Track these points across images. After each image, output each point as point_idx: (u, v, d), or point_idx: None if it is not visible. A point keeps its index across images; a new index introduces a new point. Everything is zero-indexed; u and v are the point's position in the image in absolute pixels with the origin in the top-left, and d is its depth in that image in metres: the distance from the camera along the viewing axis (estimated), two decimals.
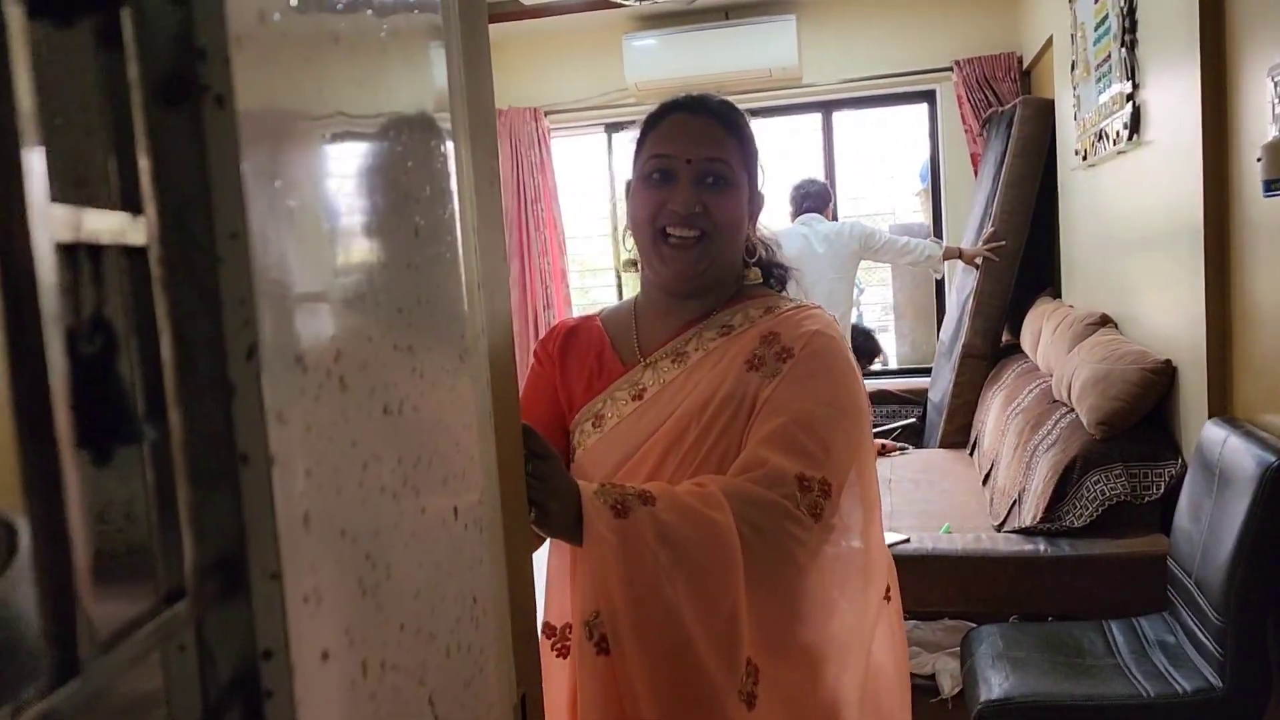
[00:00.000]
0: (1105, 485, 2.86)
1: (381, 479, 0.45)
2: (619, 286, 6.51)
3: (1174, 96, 2.76)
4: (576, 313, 6.48)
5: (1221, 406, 2.56)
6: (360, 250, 0.46)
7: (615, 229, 6.43)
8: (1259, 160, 2.07)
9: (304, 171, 0.38)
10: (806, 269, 4.54)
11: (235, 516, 0.33)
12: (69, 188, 0.35)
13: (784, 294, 1.51)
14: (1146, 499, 2.82)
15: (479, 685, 0.66)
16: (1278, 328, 2.23)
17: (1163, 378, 2.88)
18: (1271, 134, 2.10)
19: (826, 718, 1.28)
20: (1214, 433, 2.41)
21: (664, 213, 1.37)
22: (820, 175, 5.89)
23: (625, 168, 5.94)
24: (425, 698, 0.53)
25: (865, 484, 1.36)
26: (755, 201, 1.44)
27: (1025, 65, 5.38)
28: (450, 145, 0.64)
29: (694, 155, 1.36)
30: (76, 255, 0.29)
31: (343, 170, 0.44)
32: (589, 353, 1.49)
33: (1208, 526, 2.31)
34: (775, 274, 1.52)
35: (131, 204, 0.31)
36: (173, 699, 0.32)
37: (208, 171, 0.32)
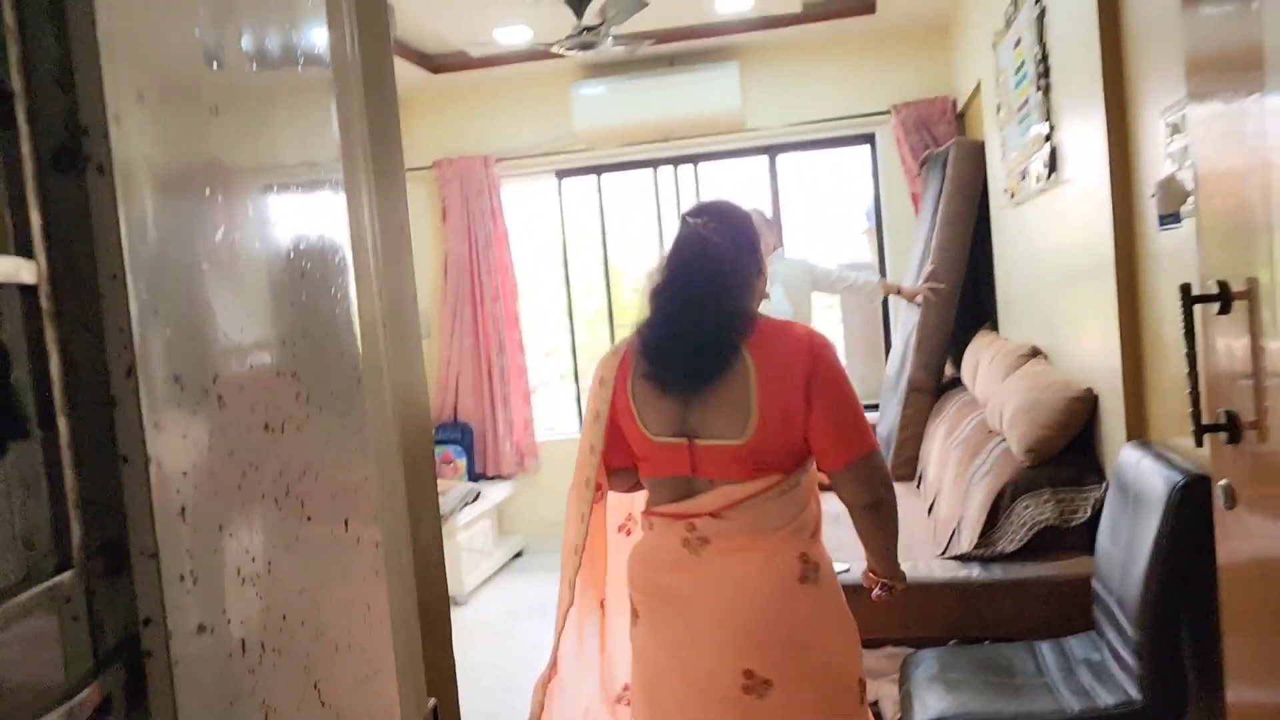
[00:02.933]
0: (1034, 510, 2.96)
1: (261, 485, 0.52)
2: (570, 329, 6.59)
3: (1085, 137, 2.91)
4: (530, 357, 6.54)
5: (1138, 431, 2.68)
6: (243, 289, 0.54)
7: (566, 271, 6.53)
8: (1153, 196, 2.20)
9: (182, 222, 0.46)
10: (789, 307, 4.65)
11: (118, 506, 0.40)
12: None
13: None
14: (1074, 522, 2.92)
15: (375, 685, 0.73)
16: (1181, 353, 2.35)
17: (1085, 405, 3.00)
18: (1165, 171, 2.23)
19: None
20: (1130, 456, 2.53)
21: None
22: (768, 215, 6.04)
23: (575, 212, 6.00)
24: (311, 684, 0.60)
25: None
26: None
27: (959, 108, 5.58)
28: (341, 195, 0.72)
29: None
30: None
31: (226, 219, 0.52)
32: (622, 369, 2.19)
33: (1125, 546, 2.41)
34: None
35: (25, 251, 0.38)
36: (69, 658, 0.39)
37: (90, 225, 0.39)
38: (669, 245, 2.14)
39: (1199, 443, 1.82)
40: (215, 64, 0.52)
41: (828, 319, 6.50)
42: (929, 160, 5.44)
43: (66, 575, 0.38)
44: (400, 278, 1.01)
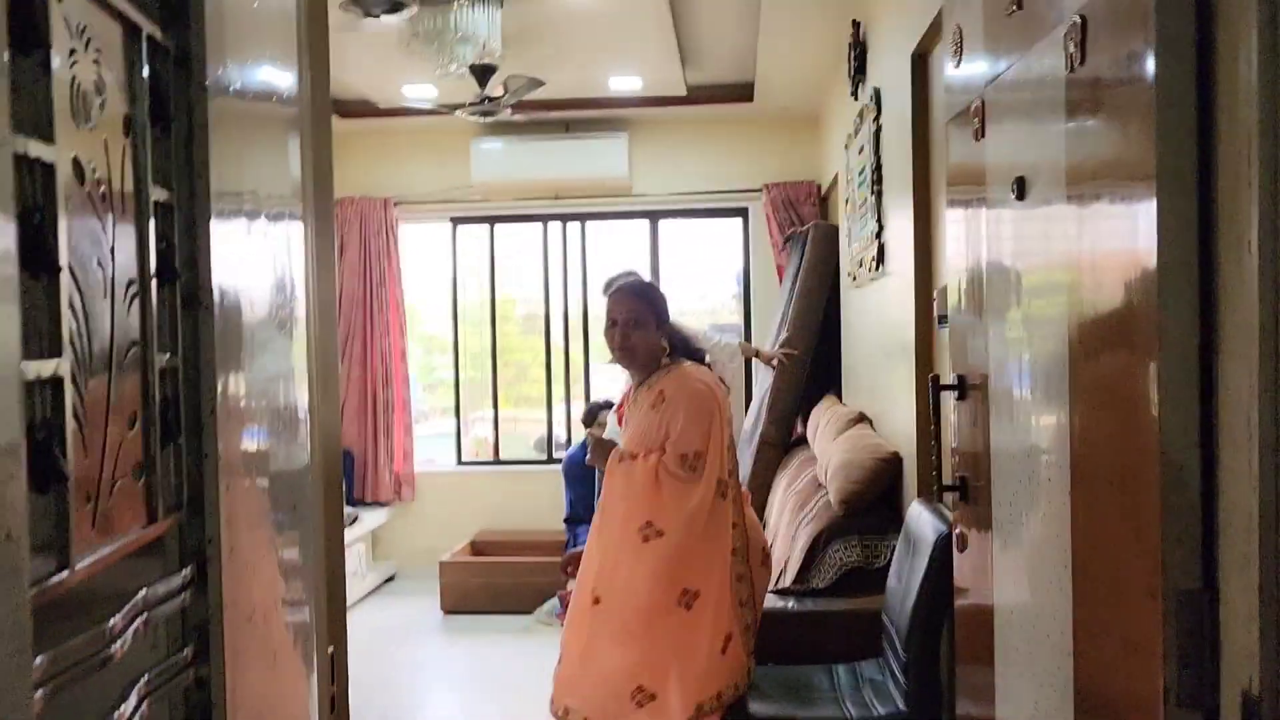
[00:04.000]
0: (844, 553, 3.46)
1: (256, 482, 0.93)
2: (455, 364, 6.93)
3: (901, 238, 3.46)
4: (415, 389, 6.84)
5: (925, 489, 3.20)
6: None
7: (455, 310, 6.89)
8: (933, 300, 2.73)
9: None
10: None
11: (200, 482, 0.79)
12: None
13: (681, 361, 2.95)
14: (876, 565, 3.43)
15: (303, 613, 1.11)
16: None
17: (891, 466, 3.53)
18: (943, 278, 2.77)
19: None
20: (915, 510, 3.04)
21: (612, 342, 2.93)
22: (646, 276, 6.53)
23: (468, 256, 6.36)
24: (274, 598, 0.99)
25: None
26: (664, 325, 2.95)
27: (824, 192, 6.20)
28: (299, 227, 1.12)
29: (619, 314, 2.91)
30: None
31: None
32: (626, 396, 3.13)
33: (904, 584, 2.91)
34: (686, 351, 3.01)
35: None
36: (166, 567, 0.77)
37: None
38: None
39: (939, 499, 2.32)
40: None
41: None
42: (792, 238, 6.03)
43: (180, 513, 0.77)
44: (328, 312, 1.39)
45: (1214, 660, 1.26)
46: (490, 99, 4.68)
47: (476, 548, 6.33)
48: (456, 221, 6.81)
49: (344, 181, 6.58)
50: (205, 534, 0.77)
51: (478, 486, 6.73)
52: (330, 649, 1.34)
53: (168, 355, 0.72)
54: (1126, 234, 1.40)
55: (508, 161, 6.36)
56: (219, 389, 0.80)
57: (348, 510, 5.98)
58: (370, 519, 6.32)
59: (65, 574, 0.59)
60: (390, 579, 6.55)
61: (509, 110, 4.83)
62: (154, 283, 0.68)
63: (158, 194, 0.68)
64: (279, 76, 1.07)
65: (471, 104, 4.70)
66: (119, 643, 0.61)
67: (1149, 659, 1.33)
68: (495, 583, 5.76)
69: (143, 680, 0.67)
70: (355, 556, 6.03)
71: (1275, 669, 1.12)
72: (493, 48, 4.18)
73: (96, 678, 0.60)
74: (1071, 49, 1.53)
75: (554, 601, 5.64)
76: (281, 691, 0.99)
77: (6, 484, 0.54)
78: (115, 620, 0.61)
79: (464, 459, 6.96)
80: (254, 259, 0.95)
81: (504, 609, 5.67)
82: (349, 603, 5.75)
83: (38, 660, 0.56)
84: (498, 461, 6.89)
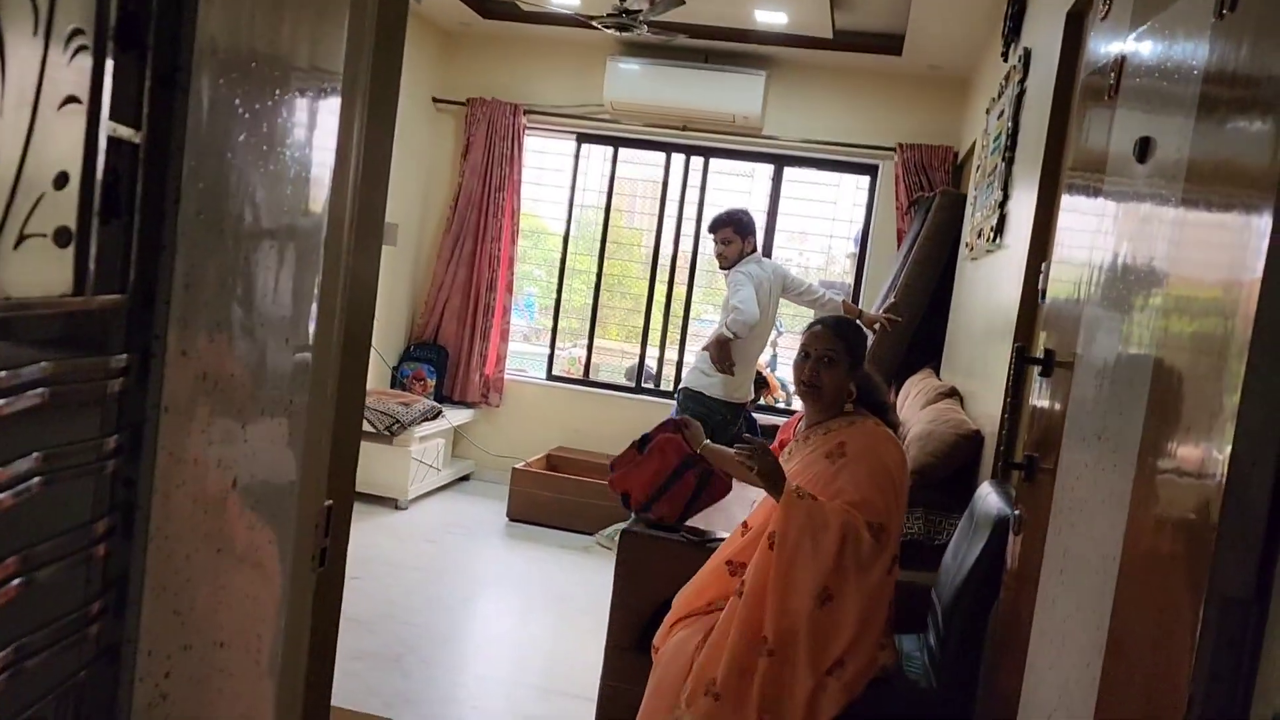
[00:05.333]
0: (906, 525, 3.35)
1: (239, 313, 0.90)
2: (559, 285, 6.95)
3: (1024, 212, 3.27)
4: (526, 304, 6.91)
5: (1003, 473, 3.06)
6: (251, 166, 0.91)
7: (568, 228, 6.88)
8: (1041, 274, 2.57)
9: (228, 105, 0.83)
10: (771, 309, 4.96)
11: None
12: None
13: (867, 415, 2.74)
14: (937, 541, 3.31)
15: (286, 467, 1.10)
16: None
17: (970, 443, 3.38)
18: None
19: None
20: (984, 490, 2.90)
21: (801, 375, 2.77)
22: (764, 221, 6.41)
23: (591, 177, 6.35)
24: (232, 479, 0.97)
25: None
26: (855, 370, 2.75)
27: (959, 160, 5.93)
28: (336, 101, 1.08)
29: (816, 348, 2.74)
30: None
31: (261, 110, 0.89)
32: (793, 426, 3.00)
33: (959, 563, 2.79)
34: (872, 403, 2.79)
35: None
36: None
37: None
38: None
39: (1005, 477, 2.20)
40: None
41: (798, 326, 6.88)
42: (918, 202, 5.80)
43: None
44: (375, 187, 1.36)
45: (1249, 679, 1.15)
46: (629, 12, 4.58)
47: (551, 462, 6.39)
48: (582, 139, 6.77)
49: (476, 82, 6.61)
50: (153, 327, 0.75)
51: (563, 403, 6.77)
52: (328, 503, 1.33)
53: (129, 129, 0.69)
54: (1237, 228, 1.26)
55: (641, 85, 6.26)
56: (191, 188, 0.76)
57: (431, 404, 6.09)
58: (454, 416, 6.43)
59: None
60: (465, 478, 6.68)
61: (647, 29, 4.73)
62: (110, 44, 0.64)
63: None
64: None
65: (610, 14, 4.61)
66: (6, 400, 0.59)
67: (1179, 667, 1.22)
68: (563, 498, 5.81)
69: (44, 452, 0.65)
70: (434, 450, 6.16)
71: None
72: None
73: None
74: None
75: (618, 526, 5.66)
76: (234, 526, 0.97)
77: None
78: (4, 375, 0.59)
79: (554, 374, 7.00)
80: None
81: (567, 526, 5.73)
82: (420, 491, 5.92)
83: None
84: (586, 382, 6.91)
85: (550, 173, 6.97)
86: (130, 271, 0.72)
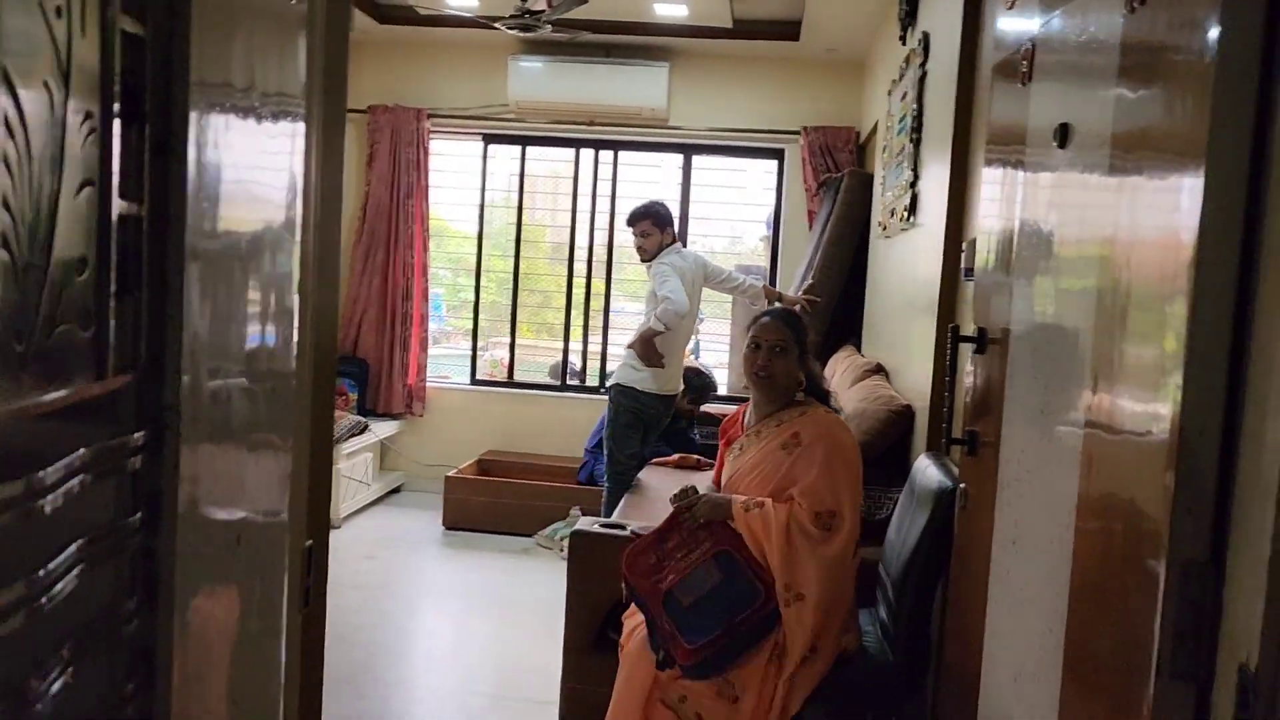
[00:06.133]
0: None
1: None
2: (476, 286, 6.89)
3: (936, 191, 3.37)
4: (434, 306, 6.83)
5: (935, 444, 3.16)
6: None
7: (480, 230, 6.83)
8: (963, 251, 2.65)
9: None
10: (694, 298, 4.98)
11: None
12: None
13: (816, 405, 2.81)
14: (878, 516, 3.39)
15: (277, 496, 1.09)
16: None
17: (903, 419, 3.48)
18: (974, 233, 2.69)
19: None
20: (922, 463, 2.99)
21: (754, 366, 2.79)
22: (677, 210, 6.45)
23: (499, 177, 6.27)
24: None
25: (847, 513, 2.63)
26: (804, 359, 2.83)
27: (861, 139, 6.06)
28: (301, 127, 1.06)
29: (768, 338, 2.79)
30: None
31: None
32: (739, 421, 2.98)
33: (903, 537, 2.87)
34: (816, 392, 2.86)
35: None
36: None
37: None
38: None
39: (947, 453, 2.28)
40: None
41: (717, 312, 6.96)
42: (826, 183, 5.92)
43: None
44: (330, 215, 1.35)
45: (1212, 635, 1.22)
46: (531, 13, 4.56)
47: (483, 467, 6.35)
48: (489, 139, 6.72)
49: (377, 90, 6.50)
50: (163, 400, 0.74)
51: (489, 407, 6.73)
52: (309, 542, 1.32)
53: (133, 203, 0.68)
54: (1170, 190, 1.33)
55: (545, 82, 6.24)
56: (192, 255, 0.75)
57: (357, 419, 6.00)
58: (380, 429, 6.34)
59: None
60: (396, 490, 6.60)
61: (549, 28, 4.72)
62: (116, 121, 0.63)
63: (126, 23, 0.63)
64: None
65: (512, 16, 4.59)
66: (49, 498, 0.58)
67: (1144, 629, 1.30)
68: (499, 502, 5.79)
69: (78, 543, 0.64)
70: (363, 465, 6.07)
71: (1276, 645, 1.08)
72: None
73: (23, 533, 0.57)
74: None
75: (556, 525, 5.67)
76: (241, 577, 0.96)
77: None
78: (46, 473, 0.58)
79: (478, 378, 6.95)
80: (244, 140, 0.90)
81: (505, 529, 5.71)
82: (353, 508, 5.82)
83: None
84: (512, 384, 6.88)
85: (458, 175, 6.90)
86: (141, 346, 0.71)
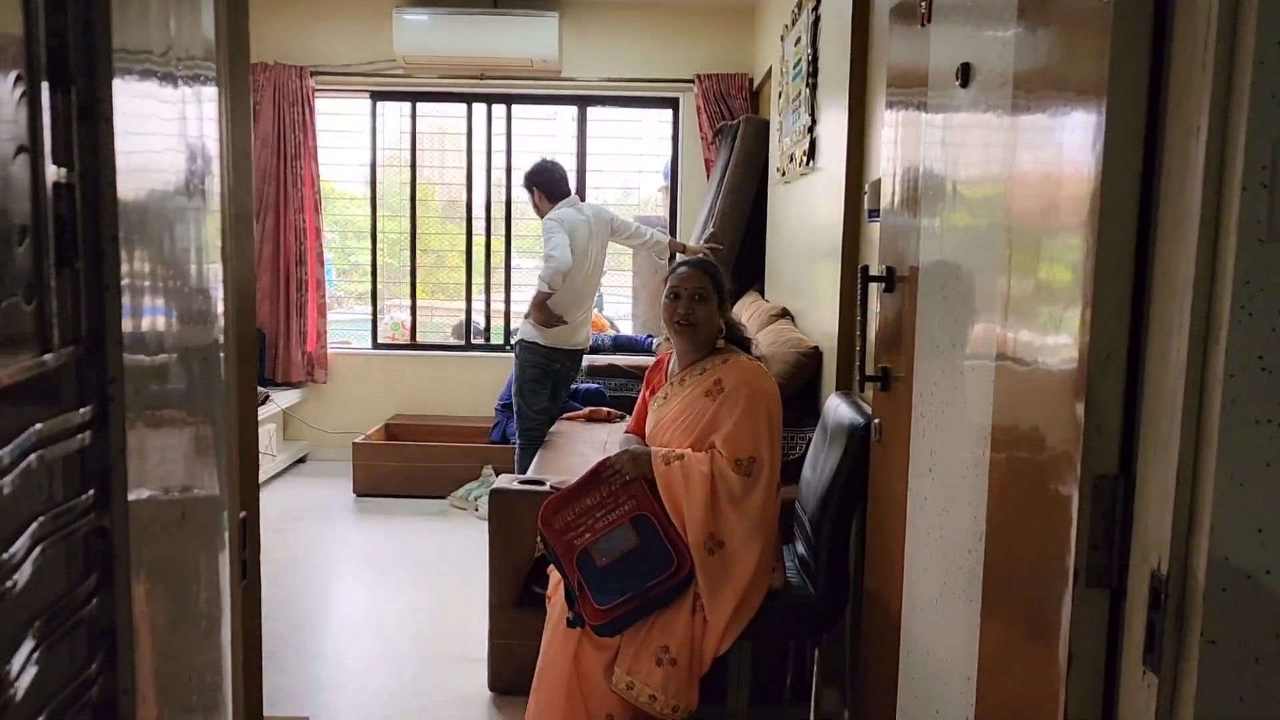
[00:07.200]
0: None
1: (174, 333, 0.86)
2: (373, 248, 6.75)
3: (834, 134, 3.42)
4: (329, 269, 6.67)
5: (845, 383, 3.24)
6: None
7: (373, 191, 6.67)
8: (865, 193, 2.71)
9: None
10: (594, 251, 4.96)
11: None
12: None
13: (738, 353, 2.84)
14: (791, 457, 3.47)
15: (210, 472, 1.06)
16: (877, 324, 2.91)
17: (812, 361, 3.56)
18: (875, 174, 2.75)
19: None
20: (833, 402, 3.07)
21: (675, 315, 2.80)
22: (573, 163, 6.41)
23: (389, 135, 6.10)
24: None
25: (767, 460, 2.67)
26: (723, 306, 2.86)
27: (755, 86, 6.10)
28: (213, 91, 1.03)
29: (687, 286, 2.80)
30: None
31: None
32: (662, 369, 3.01)
33: (819, 474, 2.95)
34: (736, 340, 2.90)
35: None
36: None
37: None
38: None
39: (861, 390, 2.35)
40: None
41: (619, 265, 6.96)
42: (722, 131, 5.94)
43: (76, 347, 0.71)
44: (242, 180, 1.31)
45: (1124, 543, 1.30)
46: None
47: (391, 431, 6.27)
48: (376, 96, 6.54)
49: (258, 47, 6.24)
50: (107, 372, 0.71)
51: (393, 371, 6.63)
52: (242, 514, 1.29)
53: (64, 170, 0.65)
54: (1072, 126, 1.38)
55: (432, 36, 6.09)
56: (124, 222, 0.73)
57: (259, 390, 5.84)
58: (282, 399, 6.20)
59: None
60: (302, 460, 6.47)
61: None
62: (44, 84, 0.60)
63: None
64: None
65: None
66: (6, 479, 0.56)
67: (1060, 541, 1.37)
68: (410, 466, 5.73)
69: (35, 524, 0.62)
70: (266, 436, 5.93)
71: (1184, 550, 1.16)
72: None
73: None
74: None
75: (470, 486, 5.64)
76: (188, 552, 0.94)
77: None
78: (2, 453, 0.56)
79: (380, 342, 6.83)
80: (158, 107, 0.86)
81: (418, 493, 5.66)
82: (259, 480, 5.69)
83: None
84: (415, 346, 6.78)
85: (346, 134, 6.71)
86: (81, 318, 0.68)
